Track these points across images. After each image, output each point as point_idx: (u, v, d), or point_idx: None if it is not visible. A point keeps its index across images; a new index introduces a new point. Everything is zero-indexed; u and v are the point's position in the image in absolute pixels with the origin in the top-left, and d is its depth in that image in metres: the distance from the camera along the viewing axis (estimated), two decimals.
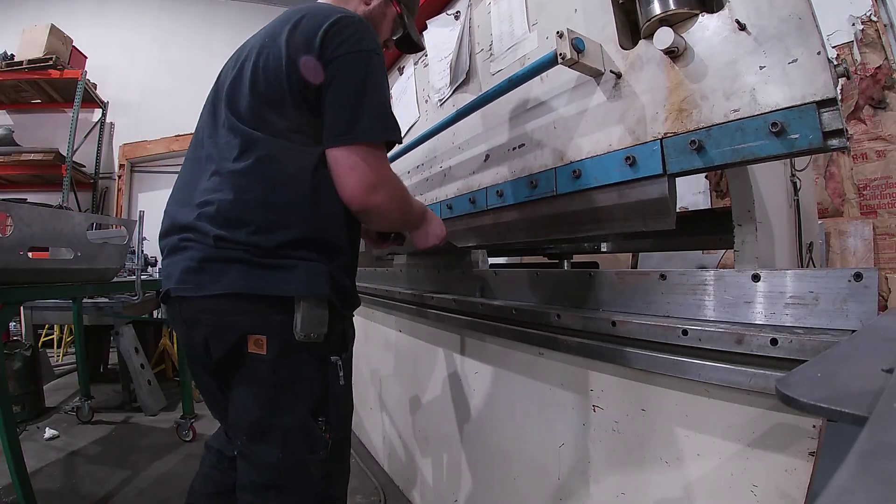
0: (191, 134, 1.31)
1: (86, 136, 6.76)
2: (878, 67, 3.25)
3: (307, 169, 1.10)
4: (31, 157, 6.11)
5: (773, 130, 0.83)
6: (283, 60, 1.08)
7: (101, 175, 6.97)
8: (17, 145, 6.27)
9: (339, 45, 1.07)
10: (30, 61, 6.11)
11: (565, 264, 2.27)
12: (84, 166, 6.72)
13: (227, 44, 5.30)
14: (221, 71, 1.26)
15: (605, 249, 2.10)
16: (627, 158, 1.09)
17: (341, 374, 1.16)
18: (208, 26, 7.71)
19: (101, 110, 6.97)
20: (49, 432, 3.19)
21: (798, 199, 1.83)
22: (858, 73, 3.31)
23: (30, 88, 6.49)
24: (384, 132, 1.11)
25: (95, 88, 6.85)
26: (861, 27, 3.34)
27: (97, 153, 6.97)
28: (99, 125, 6.97)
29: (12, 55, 6.28)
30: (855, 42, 3.37)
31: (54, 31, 6.25)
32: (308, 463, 1.12)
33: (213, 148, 1.16)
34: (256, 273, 1.06)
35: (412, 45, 1.51)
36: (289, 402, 1.11)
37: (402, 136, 2.24)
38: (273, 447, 1.10)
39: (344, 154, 1.08)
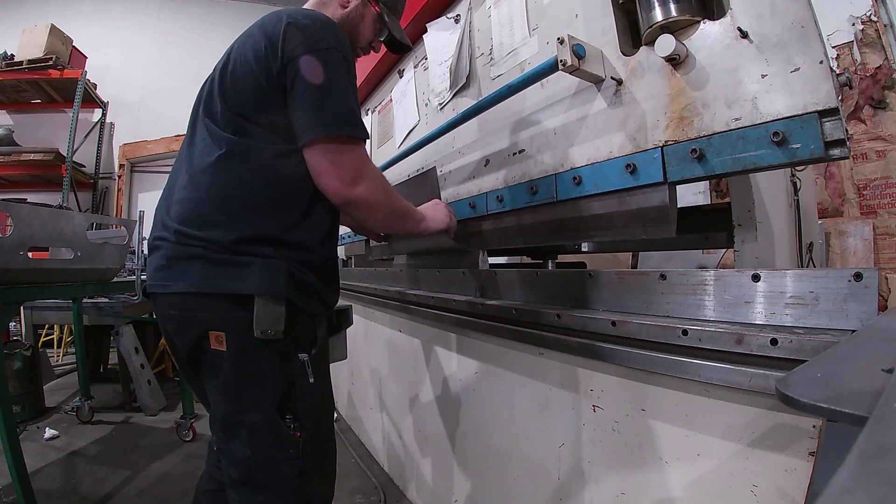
0: None
1: (86, 136, 6.77)
2: (878, 67, 3.26)
3: (266, 165, 1.12)
4: (31, 157, 6.12)
5: (775, 140, 0.84)
6: (251, 65, 1.11)
7: (101, 175, 6.97)
8: (17, 145, 6.27)
9: (296, 47, 1.09)
10: (30, 61, 6.11)
11: (550, 264, 2.27)
12: (84, 166, 6.72)
13: (226, 44, 5.32)
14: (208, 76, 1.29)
15: (585, 249, 2.10)
16: (628, 166, 1.10)
17: (309, 371, 1.15)
18: (208, 26, 7.71)
19: (101, 110, 6.99)
20: (49, 432, 3.20)
21: (798, 199, 1.83)
22: (858, 73, 3.32)
23: (30, 88, 6.48)
24: (347, 127, 1.11)
25: (95, 88, 6.86)
26: (861, 27, 3.35)
27: (97, 153, 6.97)
28: (99, 125, 6.98)
29: (12, 55, 6.28)
30: (855, 42, 3.38)
31: (54, 31, 6.25)
32: (277, 460, 1.13)
33: (190, 150, 1.20)
34: (214, 270, 1.07)
35: (398, 46, 1.51)
36: (252, 399, 1.11)
37: (404, 137, 2.28)
38: (243, 443, 1.12)
39: (319, 152, 1.10)
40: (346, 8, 1.34)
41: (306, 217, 1.16)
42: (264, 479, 1.13)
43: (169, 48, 7.55)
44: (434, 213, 1.48)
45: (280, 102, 1.11)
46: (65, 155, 6.15)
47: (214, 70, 1.23)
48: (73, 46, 6.52)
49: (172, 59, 7.50)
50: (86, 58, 6.74)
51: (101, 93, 6.99)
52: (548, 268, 2.18)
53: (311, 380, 1.15)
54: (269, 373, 1.11)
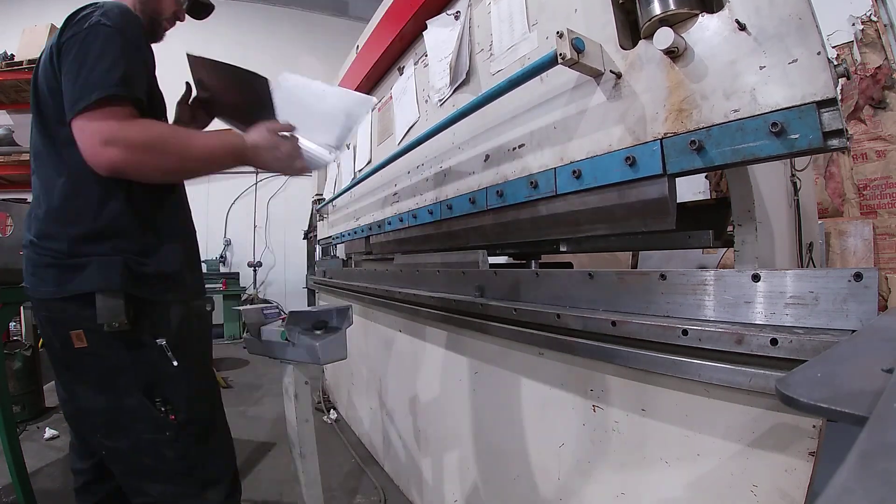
0: None
1: None
2: (878, 67, 3.25)
3: (61, 160, 1.15)
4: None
5: (773, 130, 0.83)
6: (45, 65, 1.15)
7: None
8: (17, 145, 6.27)
9: (63, 33, 1.11)
10: (30, 61, 6.10)
11: (533, 264, 2.26)
12: None
13: (226, 43, 5.28)
14: None
15: (563, 249, 2.09)
16: (627, 158, 1.09)
17: (169, 354, 1.20)
18: (208, 26, 7.68)
19: None
20: (49, 432, 3.20)
21: (798, 199, 1.82)
22: (858, 73, 3.31)
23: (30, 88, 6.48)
24: (96, 91, 1.05)
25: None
26: (861, 27, 3.34)
27: None
28: None
29: (12, 55, 6.28)
30: (855, 42, 3.37)
31: (54, 31, 6.23)
32: (156, 444, 1.19)
33: (34, 155, 1.24)
34: (63, 275, 1.14)
35: (198, 7, 1.51)
36: (122, 387, 1.18)
37: (404, 134, 2.26)
38: (122, 436, 1.18)
39: (76, 127, 1.07)
40: None
41: (122, 204, 1.16)
42: (151, 464, 1.20)
43: (168, 48, 7.52)
44: (259, 140, 1.26)
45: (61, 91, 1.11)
46: None
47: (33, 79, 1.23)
48: None
49: (171, 58, 7.49)
50: None
51: None
52: (531, 268, 2.16)
53: (175, 363, 1.20)
54: (129, 361, 1.17)
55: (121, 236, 1.16)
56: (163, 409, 1.20)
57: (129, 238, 1.17)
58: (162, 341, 1.20)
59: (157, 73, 1.31)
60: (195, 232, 1.42)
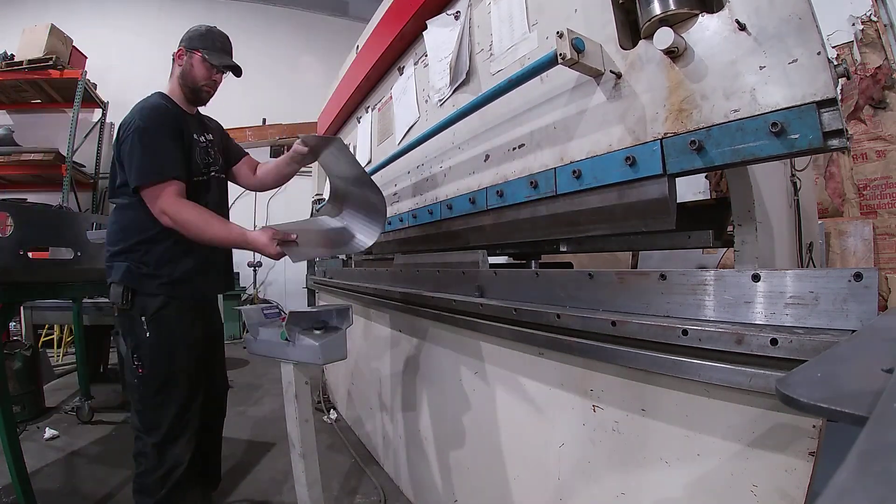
0: None
1: (86, 136, 6.79)
2: (879, 67, 3.25)
3: (121, 211, 1.84)
4: (31, 157, 6.13)
5: (773, 130, 0.83)
6: (115, 156, 1.83)
7: (101, 175, 6.97)
8: (17, 145, 6.27)
9: (121, 135, 1.77)
10: (30, 61, 6.12)
11: (533, 264, 2.25)
12: (84, 166, 6.73)
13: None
14: None
15: (563, 249, 2.09)
16: (627, 159, 1.09)
17: (146, 328, 1.77)
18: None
19: (101, 110, 7.01)
20: (49, 432, 3.19)
21: (798, 199, 1.82)
22: (858, 73, 3.31)
23: (30, 88, 6.49)
24: (148, 177, 1.70)
25: (95, 88, 6.86)
26: (861, 27, 3.34)
27: (97, 153, 6.98)
28: (99, 125, 6.99)
29: (12, 55, 6.28)
30: (855, 42, 3.37)
31: (54, 31, 6.25)
32: (130, 385, 1.82)
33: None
34: (107, 271, 1.85)
35: (231, 70, 1.97)
36: (122, 344, 1.85)
37: (404, 134, 2.26)
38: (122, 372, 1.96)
39: (143, 195, 1.73)
40: (181, 65, 1.90)
41: (137, 236, 1.80)
42: (130, 394, 1.87)
43: (169, 48, 7.50)
44: (255, 238, 1.75)
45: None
46: (65, 155, 6.17)
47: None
48: (73, 46, 6.53)
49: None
50: (86, 58, 6.75)
51: (102, 93, 6.99)
52: (531, 268, 2.16)
53: (147, 335, 1.77)
54: (128, 329, 1.80)
55: (130, 253, 1.80)
56: (136, 362, 1.77)
57: (133, 253, 1.80)
58: (143, 318, 1.77)
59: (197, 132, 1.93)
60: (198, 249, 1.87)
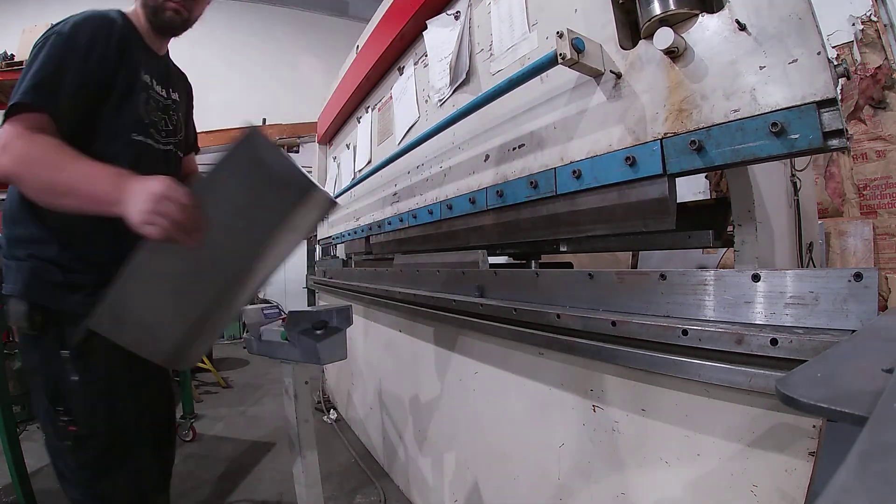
0: None
1: None
2: (878, 67, 3.25)
3: None
4: None
5: (773, 130, 0.83)
6: None
7: None
8: None
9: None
10: None
11: (533, 264, 2.26)
12: None
13: (226, 43, 5.29)
14: None
15: (564, 249, 2.09)
16: (627, 158, 1.09)
17: (69, 367, 1.16)
18: (208, 26, 7.69)
19: None
20: None
21: (798, 199, 1.82)
22: (858, 73, 3.31)
23: None
24: (14, 97, 1.05)
25: None
26: (861, 27, 3.34)
27: None
28: None
29: (12, 55, 6.28)
30: (855, 42, 3.37)
31: None
32: (59, 450, 1.21)
33: None
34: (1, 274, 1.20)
35: None
36: (35, 388, 1.22)
37: (404, 134, 2.26)
38: (44, 433, 1.24)
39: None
40: None
41: (28, 206, 1.15)
42: (60, 467, 1.23)
43: (170, 46, 7.55)
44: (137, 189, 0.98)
45: None
46: None
47: None
48: None
49: (173, 57, 7.50)
50: None
51: None
52: (531, 268, 2.16)
53: (74, 377, 1.17)
54: (38, 365, 1.19)
55: (34, 242, 1.16)
56: (63, 418, 1.18)
57: (38, 244, 1.16)
58: (66, 353, 1.17)
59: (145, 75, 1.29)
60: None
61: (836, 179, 3.48)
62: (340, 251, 3.96)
